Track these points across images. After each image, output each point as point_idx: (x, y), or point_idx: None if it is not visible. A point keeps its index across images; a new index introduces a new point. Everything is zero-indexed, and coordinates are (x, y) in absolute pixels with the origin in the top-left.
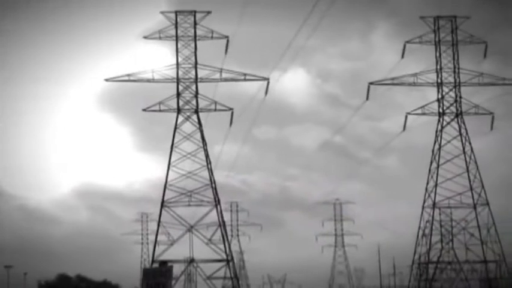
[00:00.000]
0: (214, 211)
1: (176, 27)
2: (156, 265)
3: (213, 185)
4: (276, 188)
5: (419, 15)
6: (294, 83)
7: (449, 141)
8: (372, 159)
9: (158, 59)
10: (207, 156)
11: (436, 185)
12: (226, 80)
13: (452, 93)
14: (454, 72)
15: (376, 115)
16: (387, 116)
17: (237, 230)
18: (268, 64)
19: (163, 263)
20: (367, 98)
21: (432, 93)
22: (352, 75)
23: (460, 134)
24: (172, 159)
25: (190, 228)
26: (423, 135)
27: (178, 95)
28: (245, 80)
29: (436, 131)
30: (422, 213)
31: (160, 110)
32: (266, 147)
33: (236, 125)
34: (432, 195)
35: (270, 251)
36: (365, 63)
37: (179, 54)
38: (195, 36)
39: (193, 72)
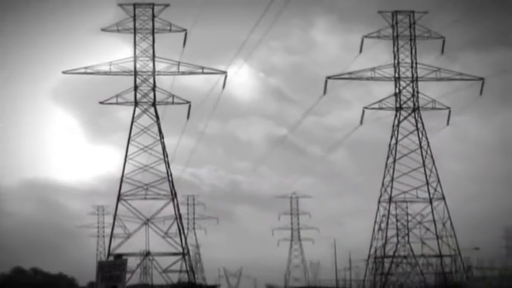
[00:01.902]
0: (171, 204)
1: (134, 20)
2: (112, 258)
3: (170, 179)
4: (225, 182)
5: (377, 10)
6: (237, 76)
7: (406, 136)
8: (320, 153)
9: (116, 52)
10: (164, 149)
11: (392, 180)
12: (184, 73)
13: (409, 88)
14: (412, 67)
15: (321, 110)
16: (331, 111)
17: (194, 224)
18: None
19: (119, 256)
20: (325, 93)
21: (378, 88)
22: (294, 69)
23: (417, 129)
24: (129, 152)
25: (146, 222)
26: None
27: (135, 88)
28: (203, 73)
29: (393, 126)
30: (378, 207)
31: (117, 103)
32: (212, 140)
33: (181, 119)
34: (388, 189)
35: (226, 244)
36: (306, 57)
37: (137, 47)
38: (153, 29)
39: (151, 65)
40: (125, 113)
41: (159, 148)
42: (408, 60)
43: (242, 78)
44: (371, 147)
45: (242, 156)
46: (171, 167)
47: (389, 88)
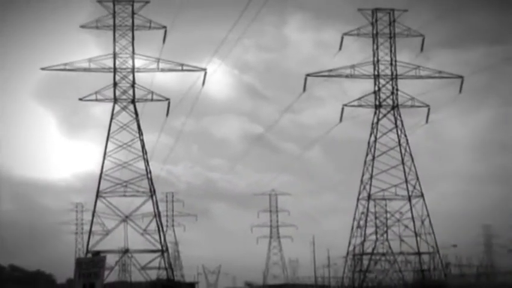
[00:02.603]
0: (150, 201)
1: (114, 17)
2: (90, 255)
3: (149, 176)
4: (202, 179)
5: (357, 8)
6: (212, 73)
7: (385, 134)
8: (297, 151)
9: (95, 49)
10: (143, 146)
11: (371, 177)
12: (163, 70)
13: (389, 86)
14: (391, 64)
15: (295, 107)
16: (305, 109)
17: (172, 221)
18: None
19: (97, 253)
20: (304, 90)
21: (352, 86)
22: (268, 67)
23: (396, 126)
24: (108, 149)
25: (125, 219)
26: (354, 127)
27: (115, 84)
28: (182, 70)
29: (372, 123)
30: (357, 205)
31: (96, 100)
32: (186, 138)
33: (158, 116)
34: (367, 187)
35: (204, 241)
36: (280, 55)
37: (116, 44)
38: (133, 26)
39: (131, 62)
40: (100, 109)
41: (138, 145)
42: (388, 58)
43: (216, 76)
44: (349, 145)
45: (217, 153)
46: (144, 164)
47: (363, 86)
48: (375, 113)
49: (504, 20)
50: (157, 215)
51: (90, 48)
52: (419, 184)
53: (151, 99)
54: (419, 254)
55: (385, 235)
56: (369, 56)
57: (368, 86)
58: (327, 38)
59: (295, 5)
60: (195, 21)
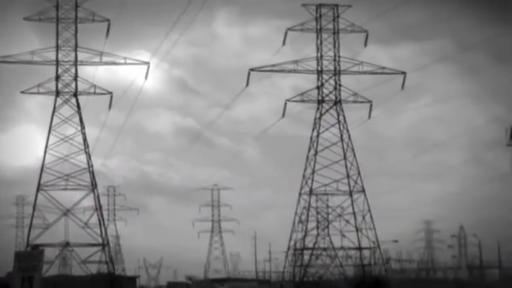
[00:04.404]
0: (91, 195)
1: (57, 9)
2: (30, 249)
3: (91, 169)
4: (137, 173)
5: (301, 3)
6: (141, 67)
7: (327, 129)
8: (231, 146)
9: (38, 41)
10: (85, 140)
11: (313, 172)
12: (106, 63)
13: (331, 81)
14: (335, 60)
15: (226, 102)
16: (236, 104)
17: (114, 215)
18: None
19: (36, 246)
20: (247, 84)
21: (281, 81)
22: (197, 62)
23: (339, 122)
24: (49, 142)
25: (66, 212)
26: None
27: (57, 77)
28: (125, 63)
29: (315, 119)
30: (299, 199)
31: (38, 93)
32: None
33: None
34: (309, 182)
35: (146, 235)
36: (208, 49)
37: (59, 36)
38: (76, 18)
39: (73, 55)
40: (38, 102)
41: (79, 139)
42: (331, 53)
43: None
44: (286, 141)
45: (151, 148)
46: (86, 157)
47: (293, 81)
48: (318, 108)
49: (435, 16)
50: (98, 208)
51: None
52: (361, 179)
53: (94, 93)
54: (360, 249)
55: (326, 230)
56: (312, 51)
57: (299, 81)
58: (254, 33)
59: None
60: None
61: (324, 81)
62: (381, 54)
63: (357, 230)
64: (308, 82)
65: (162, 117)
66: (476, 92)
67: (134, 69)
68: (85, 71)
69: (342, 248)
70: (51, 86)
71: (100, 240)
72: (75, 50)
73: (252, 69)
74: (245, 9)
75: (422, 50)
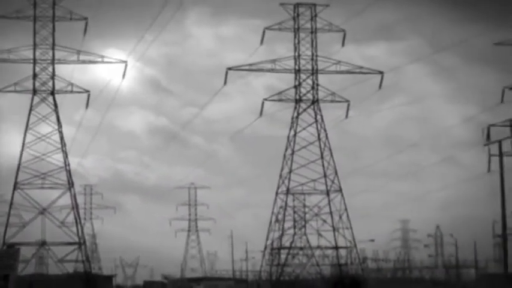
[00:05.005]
0: (68, 194)
1: (34, 8)
2: (6, 248)
3: (67, 168)
4: (111, 172)
5: (279, 2)
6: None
7: (304, 128)
8: (204, 145)
9: (15, 39)
10: (61, 138)
11: (290, 171)
12: (84, 62)
13: (309, 80)
14: (312, 59)
15: (200, 102)
16: (210, 103)
17: (91, 214)
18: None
19: (12, 245)
20: (225, 83)
21: (255, 81)
22: (170, 61)
23: (316, 121)
24: (26, 141)
25: (42, 211)
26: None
27: (34, 76)
28: (103, 62)
29: (292, 118)
30: (276, 199)
31: (15, 91)
32: (92, 130)
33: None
34: (286, 181)
35: (122, 234)
36: (181, 48)
37: (37, 35)
38: (53, 16)
39: (51, 53)
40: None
41: (56, 137)
42: (309, 52)
43: (120, 69)
44: (262, 141)
45: (126, 146)
46: (63, 156)
47: (267, 80)
48: (295, 107)
49: (409, 16)
50: (75, 207)
51: (10, 39)
52: (338, 179)
53: (71, 91)
54: (336, 248)
55: (303, 229)
56: (288, 51)
57: (273, 80)
58: (227, 32)
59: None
60: (116, 13)
61: (301, 80)
62: (355, 54)
63: (334, 229)
64: (281, 81)
65: (135, 117)
66: (449, 93)
67: (106, 69)
68: (62, 70)
69: (318, 247)
70: (28, 84)
71: (76, 239)
72: (53, 49)
73: (229, 68)
74: (217, 9)
75: (395, 50)
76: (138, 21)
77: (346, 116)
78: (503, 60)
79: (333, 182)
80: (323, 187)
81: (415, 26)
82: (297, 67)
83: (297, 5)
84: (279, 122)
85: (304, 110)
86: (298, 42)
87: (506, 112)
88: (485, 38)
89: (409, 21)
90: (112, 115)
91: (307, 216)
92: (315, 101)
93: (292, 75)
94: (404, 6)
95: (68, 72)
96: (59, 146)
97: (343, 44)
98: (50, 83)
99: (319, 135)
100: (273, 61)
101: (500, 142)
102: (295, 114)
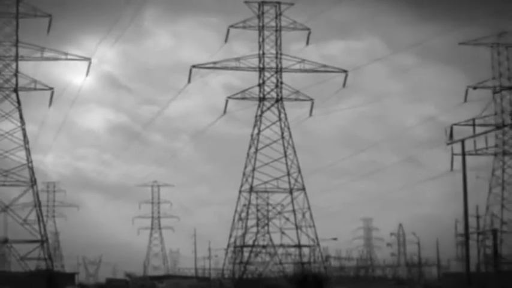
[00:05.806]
0: (30, 191)
1: None
2: None
3: (30, 165)
4: (71, 169)
5: (243, 0)
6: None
7: (268, 127)
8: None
9: None
10: (24, 136)
11: (253, 170)
12: (48, 59)
13: (273, 79)
14: (276, 57)
15: (159, 100)
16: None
17: (53, 211)
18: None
19: None
20: (189, 81)
21: (213, 79)
22: (127, 58)
23: (280, 119)
24: None
25: (5, 208)
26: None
27: None
28: (66, 59)
29: (256, 116)
30: (239, 197)
31: None
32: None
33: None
34: (250, 179)
35: (85, 232)
36: (138, 46)
37: (1, 32)
38: (17, 14)
39: (14, 50)
40: None
41: (18, 134)
42: (273, 50)
43: (76, 66)
44: (227, 138)
45: (85, 144)
46: (26, 153)
47: (225, 78)
48: (259, 105)
49: (367, 15)
50: (37, 205)
51: None
52: (301, 177)
53: (35, 89)
54: (299, 246)
55: (266, 227)
56: (253, 49)
57: (231, 79)
58: (183, 30)
59: None
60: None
61: (265, 78)
62: (315, 53)
63: (297, 227)
64: (240, 80)
65: (94, 114)
66: (409, 92)
67: (63, 66)
68: (25, 67)
69: (281, 245)
70: None
71: (39, 237)
72: (16, 46)
73: (194, 66)
74: (175, 6)
75: (353, 50)
76: (95, 19)
77: (310, 114)
78: (464, 60)
79: (296, 180)
80: (286, 185)
81: (373, 26)
82: (261, 65)
83: (261, 3)
84: (239, 121)
85: (268, 108)
86: (263, 41)
87: (468, 112)
88: (443, 38)
89: (367, 20)
90: (71, 112)
91: (270, 214)
92: (279, 99)
93: (252, 74)
94: (363, 5)
95: (31, 69)
96: (22, 143)
97: (307, 43)
98: (13, 80)
99: (282, 133)
100: (237, 59)
101: (463, 141)
102: (259, 112)
